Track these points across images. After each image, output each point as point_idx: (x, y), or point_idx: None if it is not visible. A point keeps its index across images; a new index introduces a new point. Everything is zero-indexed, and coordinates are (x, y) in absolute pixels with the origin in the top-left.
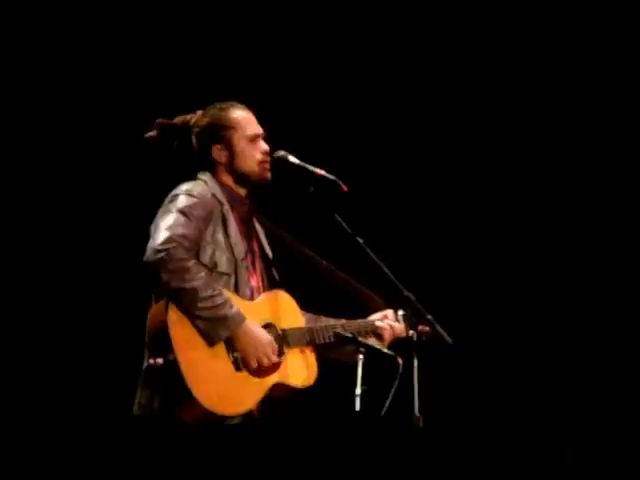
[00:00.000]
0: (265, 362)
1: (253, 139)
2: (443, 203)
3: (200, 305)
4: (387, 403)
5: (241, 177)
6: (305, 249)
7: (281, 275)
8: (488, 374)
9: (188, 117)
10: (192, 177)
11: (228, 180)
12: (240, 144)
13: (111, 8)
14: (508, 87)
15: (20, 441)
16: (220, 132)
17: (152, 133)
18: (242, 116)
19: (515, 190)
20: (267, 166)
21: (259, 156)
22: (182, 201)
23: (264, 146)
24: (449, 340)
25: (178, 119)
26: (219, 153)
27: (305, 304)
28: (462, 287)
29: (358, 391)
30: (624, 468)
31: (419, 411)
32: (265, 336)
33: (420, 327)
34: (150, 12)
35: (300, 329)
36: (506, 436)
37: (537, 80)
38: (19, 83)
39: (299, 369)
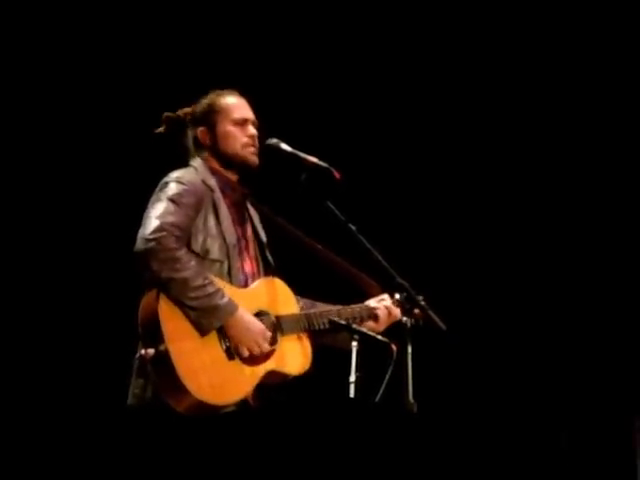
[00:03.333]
0: (256, 350)
1: (241, 123)
2: (436, 190)
3: (191, 295)
4: (381, 389)
5: (226, 160)
6: (301, 233)
7: (276, 260)
8: (482, 360)
9: (189, 109)
10: (184, 164)
11: (217, 165)
12: (224, 126)
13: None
14: (498, 78)
15: (14, 433)
16: (207, 116)
17: (161, 128)
18: (232, 101)
19: (508, 178)
20: (252, 150)
21: (244, 139)
22: (172, 189)
23: (251, 130)
24: (443, 326)
25: (180, 112)
26: (203, 136)
27: (302, 289)
28: (455, 274)
29: (352, 378)
30: (615, 451)
31: (413, 397)
32: (257, 324)
33: (414, 313)
34: (150, 6)
35: (295, 316)
36: (501, 421)
37: (536, 79)
38: (17, 76)
39: (294, 356)
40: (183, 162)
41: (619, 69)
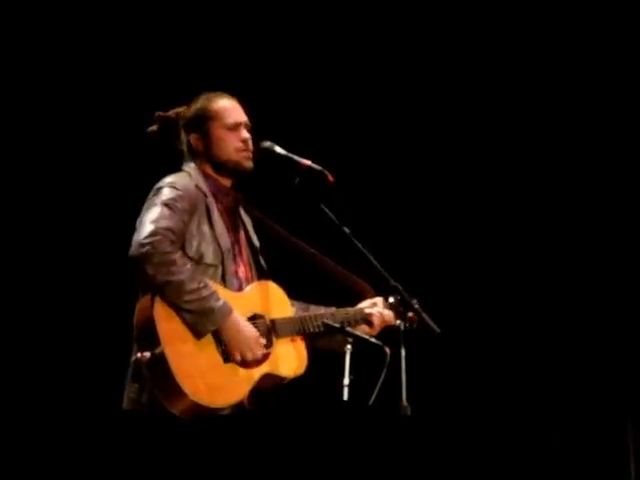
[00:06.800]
0: (249, 357)
1: (233, 127)
2: (430, 193)
3: (186, 298)
4: (375, 392)
5: (220, 166)
6: (294, 238)
7: (269, 264)
8: (475, 361)
9: (180, 109)
10: (177, 169)
11: (210, 170)
12: (217, 132)
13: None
14: (490, 81)
15: (10, 438)
16: (200, 122)
17: (153, 127)
18: (224, 105)
19: (499, 181)
20: (246, 154)
21: (237, 144)
22: (166, 194)
23: (244, 134)
24: (436, 329)
25: (172, 112)
26: (196, 142)
27: (295, 293)
28: (449, 276)
29: (346, 381)
30: (608, 453)
31: (407, 400)
32: (250, 330)
33: (407, 316)
34: (146, 5)
35: (289, 319)
36: (494, 422)
37: (532, 79)
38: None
39: (289, 359)
40: (175, 164)
41: (619, 69)
